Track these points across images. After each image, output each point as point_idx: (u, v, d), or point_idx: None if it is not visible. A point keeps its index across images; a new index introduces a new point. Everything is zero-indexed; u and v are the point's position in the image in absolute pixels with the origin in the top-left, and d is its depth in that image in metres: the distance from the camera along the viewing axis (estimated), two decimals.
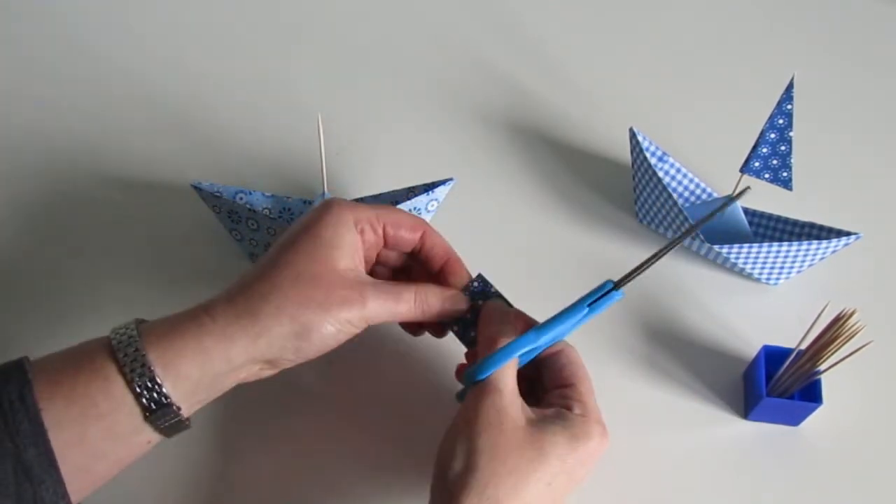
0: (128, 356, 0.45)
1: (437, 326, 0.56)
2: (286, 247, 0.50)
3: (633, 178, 0.69)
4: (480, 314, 0.54)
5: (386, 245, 0.54)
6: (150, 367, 0.45)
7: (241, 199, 0.64)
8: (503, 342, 0.50)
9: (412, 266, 0.57)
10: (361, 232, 0.52)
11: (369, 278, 0.51)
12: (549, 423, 0.49)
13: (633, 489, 0.59)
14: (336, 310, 0.48)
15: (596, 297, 0.51)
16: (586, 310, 0.51)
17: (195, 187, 0.63)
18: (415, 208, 0.62)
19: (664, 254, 0.52)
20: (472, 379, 0.49)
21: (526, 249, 0.69)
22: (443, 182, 0.64)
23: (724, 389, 0.63)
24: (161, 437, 0.48)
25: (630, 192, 0.71)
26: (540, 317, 0.65)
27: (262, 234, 0.63)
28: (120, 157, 0.72)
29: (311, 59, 0.80)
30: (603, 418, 0.51)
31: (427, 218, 0.64)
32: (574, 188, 0.72)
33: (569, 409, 0.50)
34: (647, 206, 0.68)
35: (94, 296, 0.65)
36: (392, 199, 0.65)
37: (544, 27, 0.83)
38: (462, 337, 0.55)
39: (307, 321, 0.47)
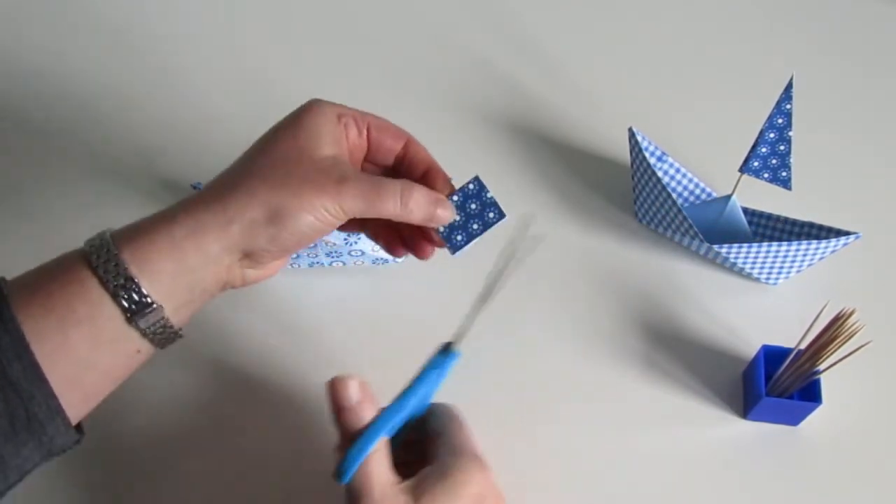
0: (100, 258, 0.43)
1: (421, 241, 0.53)
2: (265, 138, 0.48)
3: (633, 178, 0.69)
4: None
5: (369, 151, 0.51)
6: (124, 267, 0.43)
7: None
8: (353, 436, 0.47)
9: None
10: (345, 126, 0.49)
11: (352, 169, 0.48)
12: (428, 487, 0.46)
13: (632, 489, 0.59)
14: (310, 195, 0.45)
15: (438, 361, 0.49)
16: (434, 375, 0.49)
17: (195, 187, 0.64)
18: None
19: (488, 300, 0.50)
20: (341, 482, 0.47)
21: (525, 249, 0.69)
22: None
23: (724, 389, 0.63)
24: (153, 347, 0.46)
25: (629, 192, 0.71)
26: (540, 316, 0.66)
27: None
28: (120, 157, 0.72)
29: (312, 58, 0.80)
30: (479, 451, 0.50)
31: None
32: (574, 188, 0.72)
33: (442, 458, 0.48)
34: (646, 206, 0.68)
35: None
36: None
37: (544, 27, 0.83)
38: (448, 239, 0.51)
39: (279, 205, 0.45)
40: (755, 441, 0.61)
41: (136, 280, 0.43)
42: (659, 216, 0.67)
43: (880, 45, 0.83)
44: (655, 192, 0.66)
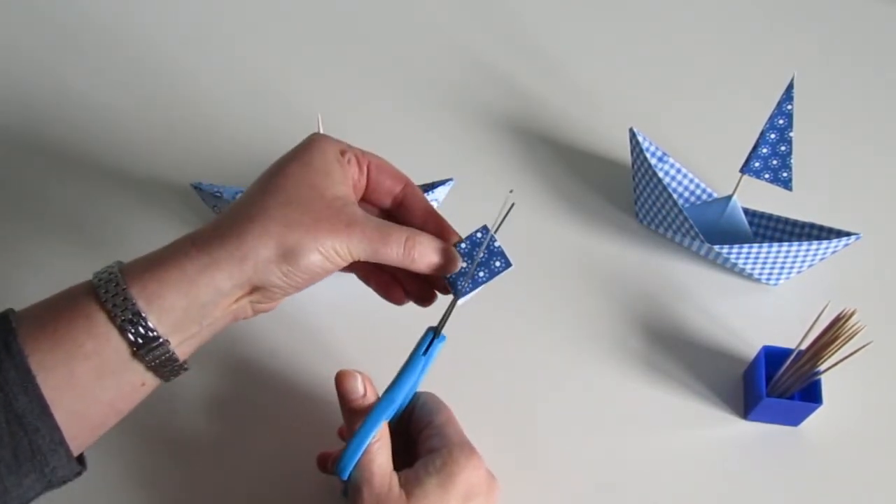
0: (109, 292, 0.43)
1: (423, 291, 0.53)
2: (274, 174, 0.48)
3: (633, 179, 0.69)
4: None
5: (367, 190, 0.52)
6: (132, 301, 0.43)
7: None
8: (356, 428, 0.48)
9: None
10: (349, 162, 0.50)
11: (361, 211, 0.48)
12: (420, 480, 0.48)
13: (632, 489, 0.59)
14: (323, 236, 0.46)
15: (425, 347, 0.50)
16: (423, 359, 0.50)
17: (195, 187, 0.63)
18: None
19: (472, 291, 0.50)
20: (342, 477, 0.48)
21: (525, 249, 0.69)
22: (442, 182, 0.64)
23: (724, 389, 0.63)
24: (158, 380, 0.46)
25: (630, 193, 0.71)
26: (540, 316, 0.66)
27: None
28: (120, 157, 0.72)
29: (311, 58, 0.80)
30: (467, 439, 0.51)
31: None
32: (574, 188, 0.72)
33: (431, 450, 0.50)
34: (646, 207, 0.68)
35: None
36: None
37: (544, 27, 0.83)
38: (453, 285, 0.50)
39: (294, 244, 0.45)
40: (755, 442, 0.61)
41: (143, 315, 0.43)
42: (659, 217, 0.67)
43: (881, 45, 0.83)
44: (656, 192, 0.66)
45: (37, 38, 0.79)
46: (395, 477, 0.48)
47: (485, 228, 0.51)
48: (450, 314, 0.50)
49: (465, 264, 0.50)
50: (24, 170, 0.71)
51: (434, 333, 0.50)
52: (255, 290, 0.47)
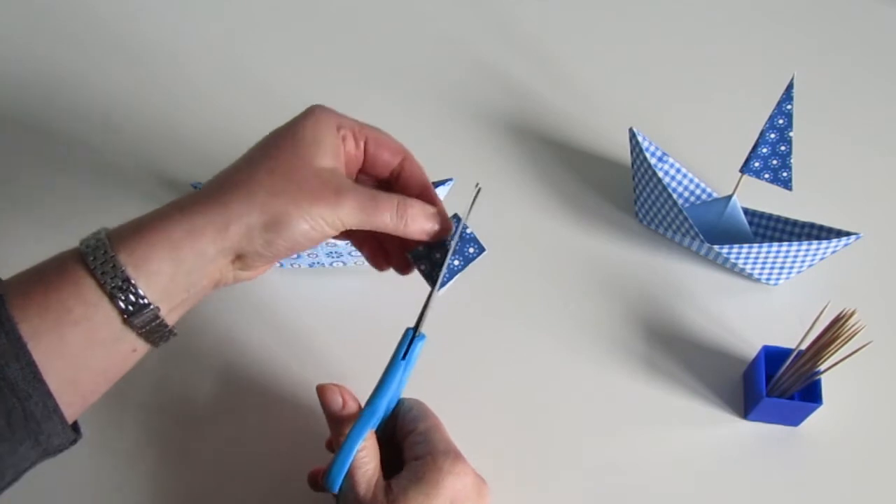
0: (97, 258, 0.43)
1: (404, 260, 0.53)
2: (265, 144, 0.48)
3: (633, 178, 0.69)
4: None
5: (365, 164, 0.51)
6: (121, 268, 0.43)
7: None
8: (342, 440, 0.48)
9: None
10: (343, 139, 0.49)
11: (350, 181, 0.48)
12: (403, 489, 0.48)
13: (632, 489, 0.59)
14: (308, 204, 0.45)
15: (405, 349, 0.49)
16: (402, 363, 0.49)
17: (195, 187, 0.63)
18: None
19: (438, 280, 0.50)
20: (331, 489, 0.48)
21: (525, 249, 0.69)
22: (442, 182, 0.64)
23: (724, 389, 0.63)
24: (148, 346, 0.46)
25: (630, 192, 0.71)
26: (539, 316, 0.66)
27: None
28: (120, 157, 0.72)
29: (312, 58, 0.80)
30: (453, 445, 0.51)
31: None
32: (574, 188, 0.72)
33: (416, 457, 0.50)
34: (646, 206, 0.68)
35: None
36: None
37: (544, 28, 0.83)
38: (429, 276, 0.51)
39: (278, 212, 0.45)
40: (755, 441, 0.61)
41: (133, 281, 0.43)
42: (659, 216, 0.67)
43: (881, 45, 0.83)
44: (656, 192, 0.66)
45: (36, 36, 0.80)
46: (381, 485, 0.48)
47: (456, 217, 0.51)
48: (426, 311, 0.50)
49: (453, 227, 0.50)
50: (23, 169, 0.71)
51: (412, 333, 0.50)
52: (238, 258, 0.47)
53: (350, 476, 0.48)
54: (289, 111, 0.75)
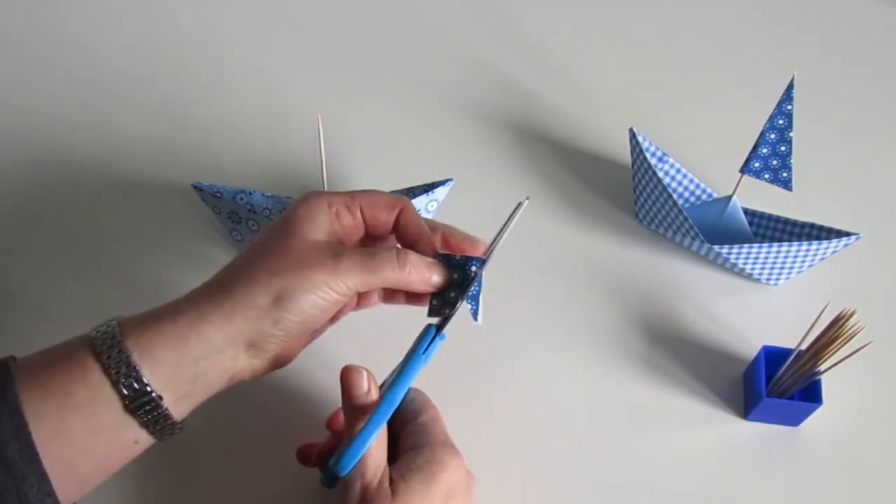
0: (105, 344, 0.44)
1: (414, 294, 0.54)
2: (262, 233, 0.50)
3: (633, 179, 0.69)
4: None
5: (367, 229, 0.52)
6: (126, 354, 0.44)
7: (241, 199, 0.64)
8: (358, 428, 0.48)
9: None
10: (337, 215, 0.50)
11: (346, 247, 0.49)
12: (404, 477, 0.48)
13: (632, 489, 0.59)
14: (310, 273, 0.46)
15: (427, 345, 0.50)
16: (423, 358, 0.50)
17: (195, 187, 0.63)
18: (415, 209, 0.62)
19: (469, 289, 0.51)
20: (339, 473, 0.48)
21: (526, 249, 0.69)
22: (442, 182, 0.64)
23: (724, 389, 0.63)
24: (151, 439, 0.46)
25: (630, 193, 0.71)
26: (539, 316, 0.66)
27: None
28: (120, 157, 0.72)
29: (312, 59, 0.80)
30: (450, 438, 0.52)
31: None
32: (574, 188, 0.72)
33: (415, 446, 0.50)
34: (646, 207, 0.68)
35: (92, 296, 0.65)
36: None
37: (544, 27, 0.83)
38: (439, 311, 0.52)
39: (281, 288, 0.46)
40: (755, 441, 0.61)
41: (137, 368, 0.44)
42: (659, 216, 0.67)
43: (881, 45, 0.83)
44: (656, 192, 0.66)
45: (35, 36, 0.79)
46: (387, 472, 0.49)
47: (470, 261, 0.52)
48: (453, 313, 0.51)
49: (450, 273, 0.51)
50: (22, 169, 0.71)
51: (435, 331, 0.50)
52: (250, 345, 0.47)
53: (361, 462, 0.48)
54: (289, 111, 0.76)
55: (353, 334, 0.64)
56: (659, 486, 0.59)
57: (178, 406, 0.46)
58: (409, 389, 0.53)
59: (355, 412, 0.49)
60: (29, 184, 0.71)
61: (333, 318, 0.55)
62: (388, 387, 0.50)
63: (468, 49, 0.81)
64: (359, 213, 0.51)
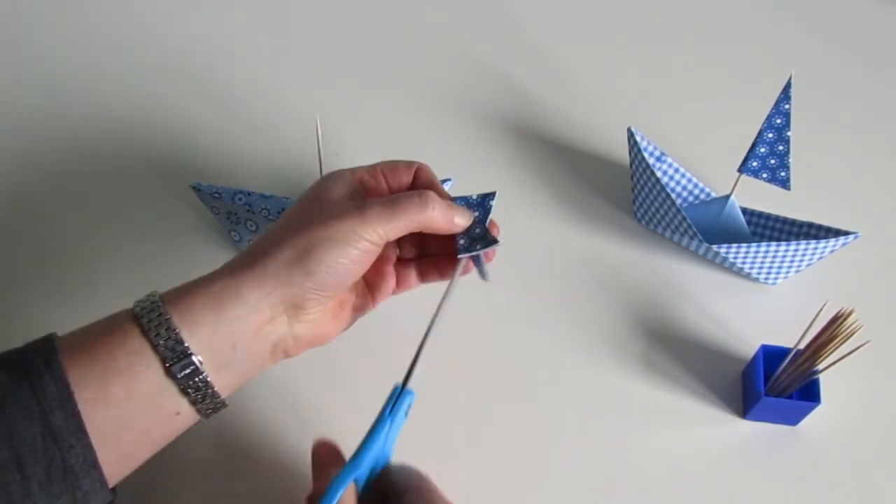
0: (145, 310, 0.45)
1: (448, 258, 0.55)
2: (292, 206, 0.51)
3: (632, 178, 0.69)
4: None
5: (390, 190, 0.53)
6: (166, 318, 0.44)
7: (239, 200, 0.64)
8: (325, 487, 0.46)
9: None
10: (360, 179, 0.52)
11: (369, 199, 0.50)
12: None
13: (632, 488, 0.59)
14: (335, 222, 0.47)
15: (392, 405, 0.48)
16: (388, 420, 0.47)
17: (194, 188, 0.64)
18: (429, 168, 0.62)
19: (426, 340, 0.50)
20: None
21: (524, 249, 0.69)
22: (442, 182, 0.64)
23: (723, 389, 0.63)
24: (194, 412, 0.46)
25: (628, 192, 0.72)
26: (538, 316, 0.66)
27: None
28: (120, 158, 0.72)
29: (311, 59, 0.80)
30: None
31: None
32: (572, 188, 0.72)
33: None
34: (645, 206, 0.68)
35: (92, 296, 0.65)
36: None
37: (544, 27, 0.83)
38: (483, 243, 0.52)
39: (308, 242, 0.47)
40: (754, 441, 0.61)
41: (176, 330, 0.44)
42: (658, 216, 0.68)
43: (879, 45, 0.83)
44: (654, 192, 0.66)
45: (35, 35, 0.80)
46: None
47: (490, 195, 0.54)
48: (414, 366, 0.49)
49: (476, 212, 0.53)
50: (21, 169, 0.72)
51: (400, 388, 0.48)
52: (288, 305, 0.47)
53: None
54: (288, 112, 0.76)
55: (378, 354, 0.64)
56: (658, 486, 0.59)
57: (220, 377, 0.46)
58: (392, 465, 0.49)
59: (321, 477, 0.47)
60: (28, 184, 0.71)
61: (374, 296, 0.55)
62: (357, 450, 0.47)
63: (468, 49, 0.81)
64: (380, 176, 0.52)
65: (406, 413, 0.48)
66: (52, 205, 0.70)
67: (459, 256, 0.52)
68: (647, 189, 0.67)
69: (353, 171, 0.52)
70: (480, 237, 0.52)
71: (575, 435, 0.61)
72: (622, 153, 0.72)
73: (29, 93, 0.76)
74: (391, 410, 0.48)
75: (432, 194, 0.50)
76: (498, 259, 0.68)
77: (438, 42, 0.82)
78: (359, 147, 0.74)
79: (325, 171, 0.63)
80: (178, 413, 0.46)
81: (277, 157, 0.73)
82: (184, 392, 0.45)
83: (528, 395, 0.63)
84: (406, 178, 0.53)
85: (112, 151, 0.73)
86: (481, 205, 0.54)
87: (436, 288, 0.54)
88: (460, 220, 0.52)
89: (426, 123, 0.76)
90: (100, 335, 0.45)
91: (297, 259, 0.46)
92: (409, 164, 0.54)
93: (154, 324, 0.44)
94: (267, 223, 0.62)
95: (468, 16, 0.83)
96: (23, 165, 0.72)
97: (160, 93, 0.77)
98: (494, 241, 0.52)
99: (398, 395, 0.48)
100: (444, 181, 0.64)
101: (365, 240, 0.48)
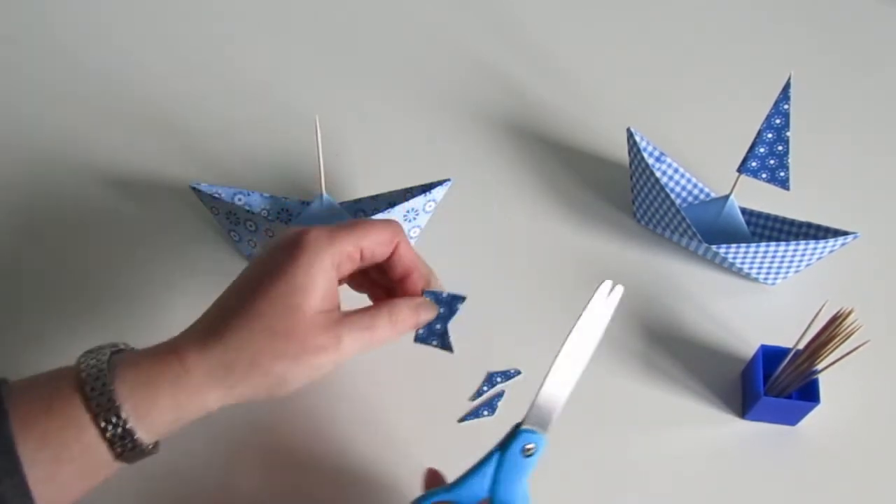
0: (101, 406, 0.44)
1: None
2: (257, 290, 0.48)
3: (631, 178, 0.69)
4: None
5: (362, 261, 0.52)
6: (125, 422, 0.45)
7: (239, 200, 0.64)
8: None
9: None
10: (338, 268, 0.50)
11: (342, 314, 0.49)
12: None
13: (630, 488, 0.59)
14: (312, 359, 0.47)
15: (505, 441, 0.48)
16: (496, 455, 0.47)
17: (194, 188, 0.64)
18: (412, 209, 0.62)
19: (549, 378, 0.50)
20: None
21: (524, 249, 0.69)
22: (440, 183, 0.64)
23: (723, 389, 0.63)
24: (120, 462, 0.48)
25: (628, 192, 0.72)
26: (538, 316, 0.66)
27: (261, 235, 0.63)
28: (119, 158, 0.72)
29: (310, 60, 0.80)
30: None
31: (425, 219, 0.64)
32: (572, 188, 0.72)
33: None
34: (644, 206, 0.68)
35: (92, 296, 0.65)
36: (389, 200, 0.65)
37: (544, 27, 0.83)
38: (425, 340, 0.54)
39: (282, 373, 0.47)
40: (754, 441, 0.61)
41: (134, 435, 0.45)
42: (657, 216, 0.67)
43: (879, 45, 0.83)
44: (654, 192, 0.66)
45: (35, 35, 0.80)
46: None
47: (443, 297, 0.53)
48: (536, 404, 0.50)
49: (436, 310, 0.53)
50: (21, 170, 0.72)
51: (517, 426, 0.48)
52: (239, 404, 0.48)
53: None
54: (288, 111, 0.76)
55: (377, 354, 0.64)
56: (657, 486, 0.59)
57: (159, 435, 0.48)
58: None
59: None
60: (27, 185, 0.71)
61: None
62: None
63: (468, 49, 0.81)
64: (358, 255, 0.51)
65: (531, 455, 0.47)
66: (50, 205, 0.70)
67: (415, 341, 0.54)
68: (646, 189, 0.67)
69: (333, 257, 0.49)
70: (439, 335, 0.53)
71: (573, 434, 0.61)
72: (622, 153, 0.72)
73: (26, 92, 0.76)
74: (501, 446, 0.47)
75: (402, 311, 0.51)
76: (496, 259, 0.68)
77: (438, 42, 0.82)
78: (358, 146, 0.74)
79: (323, 171, 0.63)
80: (116, 470, 0.47)
81: (277, 158, 0.73)
82: (124, 459, 0.46)
83: (526, 395, 0.62)
84: (384, 252, 0.52)
85: (112, 152, 0.73)
86: (449, 304, 0.53)
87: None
88: (425, 317, 0.53)
89: (426, 123, 0.76)
90: (51, 416, 0.44)
91: (267, 386, 0.47)
92: (390, 235, 0.52)
93: (112, 424, 0.44)
94: (266, 223, 0.62)
95: (468, 16, 0.84)
96: (20, 166, 0.72)
97: (160, 93, 0.77)
98: (449, 349, 0.53)
99: (513, 432, 0.48)
100: (442, 182, 0.64)
101: (332, 369, 0.49)
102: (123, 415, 0.44)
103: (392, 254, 0.52)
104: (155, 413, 0.45)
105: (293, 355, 0.47)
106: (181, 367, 0.46)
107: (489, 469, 0.47)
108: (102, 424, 0.44)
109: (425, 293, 0.53)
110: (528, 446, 0.47)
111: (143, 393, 0.45)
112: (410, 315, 0.52)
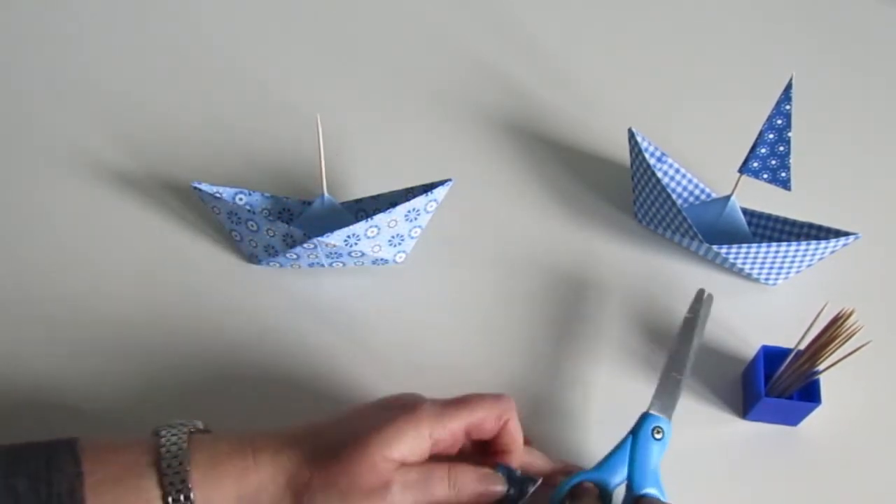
0: (174, 486, 0.46)
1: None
2: (348, 435, 0.49)
3: (632, 179, 0.69)
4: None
5: (467, 437, 0.52)
6: (192, 502, 0.46)
7: (240, 199, 0.64)
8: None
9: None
10: (436, 441, 0.50)
11: (400, 470, 0.49)
12: None
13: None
14: (358, 499, 0.47)
15: (635, 427, 0.54)
16: (629, 440, 0.54)
17: (195, 188, 0.64)
18: (414, 209, 0.62)
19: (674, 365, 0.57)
20: None
21: (525, 249, 0.69)
22: (441, 183, 0.64)
23: (723, 389, 0.63)
24: None
25: (629, 193, 0.72)
26: (538, 316, 0.66)
27: (262, 235, 0.63)
28: (120, 158, 0.72)
29: (311, 59, 0.80)
30: None
31: (426, 219, 0.64)
32: (573, 188, 0.72)
33: None
34: (645, 207, 0.68)
35: (92, 296, 0.65)
36: (391, 200, 0.65)
37: (544, 27, 0.83)
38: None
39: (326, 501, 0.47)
40: (754, 441, 0.61)
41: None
42: (658, 217, 0.67)
43: (880, 45, 0.83)
44: (655, 192, 0.66)
45: (36, 36, 0.80)
46: None
47: (519, 480, 0.52)
48: (663, 392, 0.57)
49: (505, 487, 0.51)
50: (21, 170, 0.72)
51: (645, 412, 0.55)
52: None
53: None
54: (288, 111, 0.76)
55: (358, 350, 0.64)
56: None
57: None
58: (646, 496, 0.52)
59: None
60: (26, 185, 0.71)
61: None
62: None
63: (468, 49, 0.81)
64: (462, 434, 0.51)
65: (661, 438, 0.54)
66: (49, 205, 0.70)
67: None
68: (647, 189, 0.67)
69: (436, 434, 0.49)
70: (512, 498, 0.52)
71: (573, 434, 0.61)
72: (622, 153, 0.72)
73: (26, 91, 0.76)
74: (633, 431, 0.54)
75: (465, 476, 0.50)
76: (496, 259, 0.68)
77: (439, 42, 0.81)
78: (359, 146, 0.74)
79: (325, 171, 0.63)
80: None
81: (278, 157, 0.73)
82: None
83: (526, 395, 0.63)
84: (492, 428, 0.51)
85: (112, 152, 0.73)
86: (520, 485, 0.51)
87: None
88: (490, 492, 0.51)
89: (426, 123, 0.76)
90: (126, 492, 0.46)
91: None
92: (500, 411, 0.51)
93: (175, 488, 0.46)
94: (267, 223, 0.62)
95: (468, 16, 0.83)
96: (20, 166, 0.72)
97: (160, 92, 0.77)
98: None
99: (642, 418, 0.54)
100: (443, 182, 0.64)
101: None
102: (192, 496, 0.46)
103: (500, 430, 0.52)
104: (217, 498, 0.47)
105: (341, 490, 0.47)
106: (253, 461, 0.48)
107: (625, 452, 0.54)
108: (170, 500, 0.46)
109: (499, 467, 0.51)
110: (657, 428, 0.54)
111: (213, 479, 0.47)
112: (471, 481, 0.50)
